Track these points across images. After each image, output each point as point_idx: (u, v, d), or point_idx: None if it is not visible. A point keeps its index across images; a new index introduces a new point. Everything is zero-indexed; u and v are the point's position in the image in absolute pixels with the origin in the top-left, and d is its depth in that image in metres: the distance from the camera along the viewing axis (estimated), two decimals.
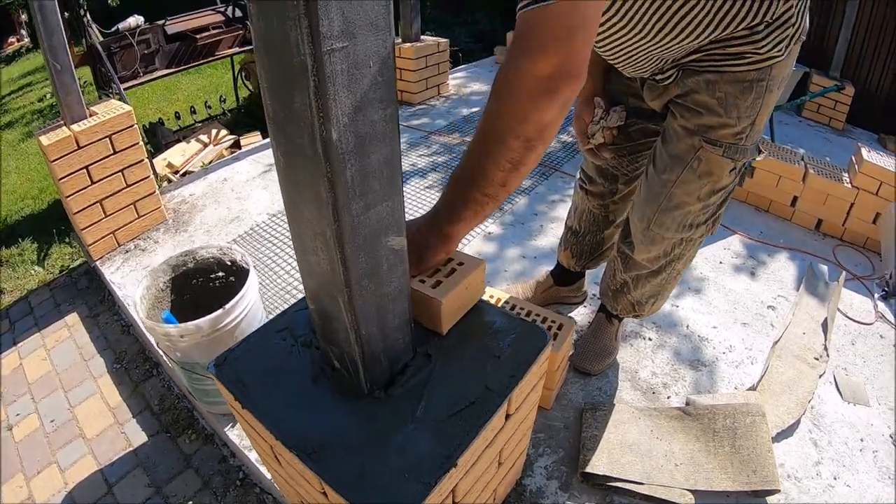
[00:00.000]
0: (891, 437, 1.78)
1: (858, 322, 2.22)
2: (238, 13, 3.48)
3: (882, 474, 1.60)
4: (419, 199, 2.79)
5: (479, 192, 0.95)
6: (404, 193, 2.75)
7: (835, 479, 1.59)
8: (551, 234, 2.59)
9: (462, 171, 0.97)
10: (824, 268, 2.45)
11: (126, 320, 2.21)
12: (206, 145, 3.26)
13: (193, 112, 3.67)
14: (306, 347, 1.09)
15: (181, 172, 3.08)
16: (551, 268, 2.10)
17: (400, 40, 3.55)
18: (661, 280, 1.58)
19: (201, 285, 1.72)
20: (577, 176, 1.77)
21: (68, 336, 2.20)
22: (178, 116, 3.56)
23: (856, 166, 2.60)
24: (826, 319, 2.16)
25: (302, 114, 0.69)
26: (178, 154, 3.11)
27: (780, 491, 1.50)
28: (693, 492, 1.48)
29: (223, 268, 1.72)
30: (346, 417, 0.95)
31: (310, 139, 0.71)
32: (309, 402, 0.97)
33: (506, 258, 2.40)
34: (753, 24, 1.08)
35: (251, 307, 1.53)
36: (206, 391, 1.61)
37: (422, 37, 3.58)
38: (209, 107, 3.85)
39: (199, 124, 3.70)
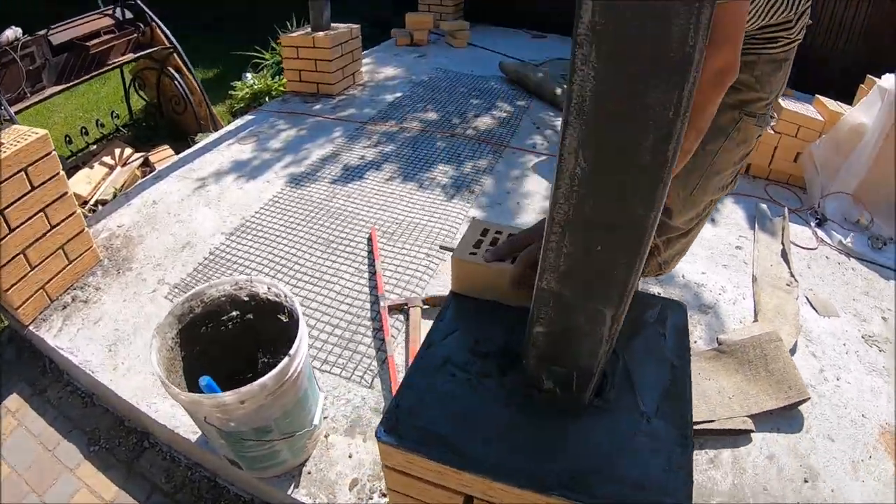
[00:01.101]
0: (862, 337, 2.26)
1: (806, 248, 2.62)
2: (128, 14, 2.99)
3: (868, 368, 2.06)
4: (382, 193, 2.64)
5: None
6: (364, 189, 2.51)
7: (837, 380, 2.00)
8: (530, 210, 2.60)
9: None
10: (764, 206, 2.83)
11: (84, 389, 1.83)
12: (112, 168, 2.78)
13: (85, 133, 3.12)
14: (486, 377, 0.92)
15: (91, 203, 2.60)
16: None
17: (310, 29, 3.27)
18: (689, 238, 1.72)
19: (210, 332, 1.46)
20: None
21: (16, 424, 1.77)
22: (68, 140, 3.00)
23: (776, 114, 2.92)
24: (783, 250, 2.55)
25: (657, 112, 0.54)
26: (82, 182, 2.62)
27: (810, 398, 1.84)
28: (750, 416, 1.75)
29: (237, 306, 1.47)
30: (579, 436, 0.86)
31: (655, 141, 0.56)
32: (529, 434, 0.86)
33: None
34: (791, 15, 1.26)
35: (304, 345, 1.30)
36: (258, 457, 1.38)
37: (332, 24, 3.33)
38: (102, 125, 3.29)
39: (95, 146, 3.16)
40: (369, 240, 2.28)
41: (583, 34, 0.54)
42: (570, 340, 0.80)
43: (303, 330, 1.29)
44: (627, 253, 0.69)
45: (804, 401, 1.85)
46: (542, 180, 2.83)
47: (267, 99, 3.40)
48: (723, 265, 2.42)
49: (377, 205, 2.52)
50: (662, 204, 0.65)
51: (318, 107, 3.32)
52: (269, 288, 1.42)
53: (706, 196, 1.55)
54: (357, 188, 2.63)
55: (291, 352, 1.23)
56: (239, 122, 3.10)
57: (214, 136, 2.95)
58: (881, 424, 1.93)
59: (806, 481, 1.70)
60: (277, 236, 2.29)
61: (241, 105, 3.50)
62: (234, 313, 1.47)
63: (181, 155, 2.80)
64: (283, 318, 1.43)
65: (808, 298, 2.45)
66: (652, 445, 0.85)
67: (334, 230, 2.34)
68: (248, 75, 3.72)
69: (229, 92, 3.73)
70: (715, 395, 1.81)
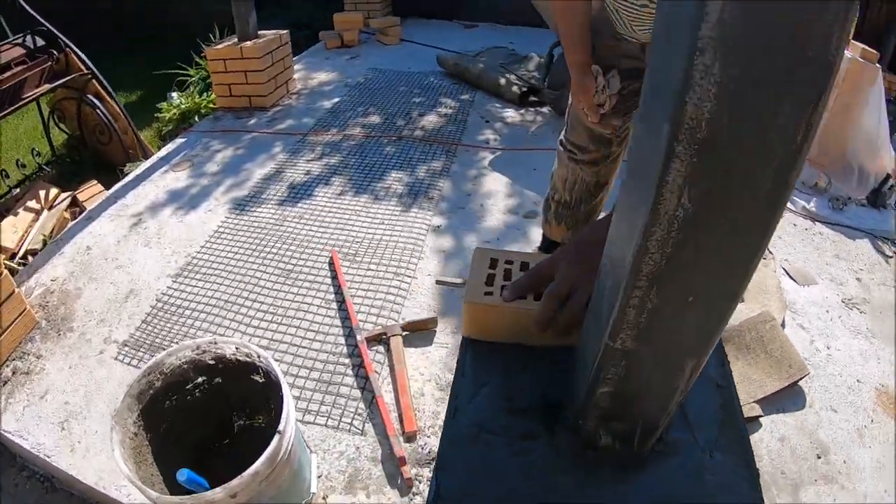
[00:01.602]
0: (842, 301, 2.34)
1: None
2: (40, 41, 2.69)
3: (853, 332, 2.15)
4: (335, 210, 2.48)
5: None
6: (316, 208, 2.35)
7: (828, 349, 2.07)
8: (496, 212, 2.51)
9: None
10: None
11: (42, 473, 1.63)
12: (39, 212, 2.50)
13: (6, 176, 2.80)
14: (530, 439, 0.82)
15: (20, 255, 2.33)
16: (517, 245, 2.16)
17: (236, 40, 3.07)
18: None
19: (175, 404, 1.30)
20: (564, 149, 1.77)
21: None
22: None
23: None
24: None
25: (785, 135, 0.46)
26: (8, 232, 2.32)
27: (809, 373, 1.87)
28: (756, 402, 1.77)
29: (202, 371, 1.32)
30: (648, 489, 0.76)
31: (777, 171, 0.47)
32: (595, 500, 0.75)
33: (468, 248, 2.25)
34: None
35: (292, 415, 1.17)
36: None
37: (259, 31, 3.13)
38: (23, 165, 2.95)
39: (17, 189, 2.85)
40: (331, 263, 2.15)
41: (706, 37, 0.43)
42: (640, 397, 0.71)
43: (287, 398, 1.16)
44: (726, 295, 0.60)
45: (804, 376, 1.91)
46: (501, 177, 2.75)
47: (197, 118, 3.18)
48: None
49: (332, 224, 2.37)
50: (762, 253, 0.57)
51: (252, 121, 3.12)
52: (237, 349, 1.27)
53: None
54: (308, 208, 2.47)
55: (280, 427, 1.09)
56: (170, 146, 2.87)
57: (145, 165, 2.72)
58: (875, 387, 2.01)
59: (819, 457, 1.72)
60: (230, 272, 2.11)
61: (170, 127, 3.26)
62: (200, 380, 1.30)
63: (112, 190, 2.56)
64: (257, 378, 1.30)
65: (785, 269, 2.51)
66: (720, 481, 0.79)
67: (291, 258, 2.18)
68: (174, 95, 3.46)
69: (156, 115, 3.46)
70: None
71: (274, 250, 2.21)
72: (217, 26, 3.74)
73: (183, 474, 1.07)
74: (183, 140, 2.92)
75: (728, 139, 0.45)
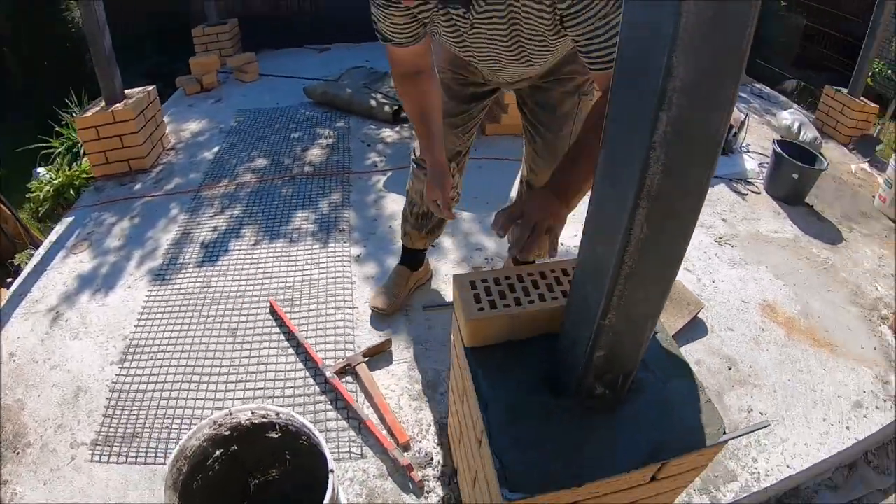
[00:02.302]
0: (715, 241, 2.96)
1: None
2: None
3: (730, 264, 2.79)
4: (256, 260, 2.61)
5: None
6: (236, 262, 2.39)
7: (713, 282, 2.66)
8: None
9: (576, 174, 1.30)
10: None
11: None
12: None
13: None
14: (546, 406, 1.15)
15: None
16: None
17: (104, 103, 3.03)
18: None
19: (201, 484, 1.40)
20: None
21: None
22: None
23: None
24: None
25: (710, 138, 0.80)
26: None
27: (704, 306, 2.38)
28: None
29: (219, 444, 1.42)
30: (636, 418, 1.15)
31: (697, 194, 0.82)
32: (604, 433, 1.11)
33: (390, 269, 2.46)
34: None
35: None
36: None
37: (125, 91, 3.10)
38: None
39: None
40: (272, 312, 2.29)
41: (658, 142, 0.73)
42: (622, 352, 1.03)
43: (322, 443, 1.32)
44: (670, 274, 0.93)
45: (701, 309, 2.38)
46: (398, 197, 3.00)
47: (73, 192, 3.09)
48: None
49: (259, 274, 2.50)
50: (687, 247, 0.90)
51: (138, 186, 3.10)
52: (252, 413, 1.42)
53: None
54: (229, 263, 2.57)
55: (331, 467, 1.25)
56: (59, 228, 2.78)
57: (39, 253, 2.63)
58: (759, 304, 2.57)
59: (729, 368, 2.22)
60: (175, 344, 2.17)
61: (47, 206, 3.12)
62: (218, 453, 1.42)
63: (13, 287, 2.47)
64: (273, 434, 1.45)
65: None
66: (686, 397, 1.17)
67: (231, 316, 2.29)
68: (41, 170, 3.30)
69: (26, 195, 3.30)
70: None
71: (211, 313, 2.31)
72: (73, 90, 3.63)
73: None
74: (71, 219, 2.85)
75: (669, 191, 0.76)
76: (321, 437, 1.32)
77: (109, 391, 2.02)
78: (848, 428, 2.07)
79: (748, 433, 1.15)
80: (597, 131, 1.27)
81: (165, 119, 3.59)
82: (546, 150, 1.85)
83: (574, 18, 1.19)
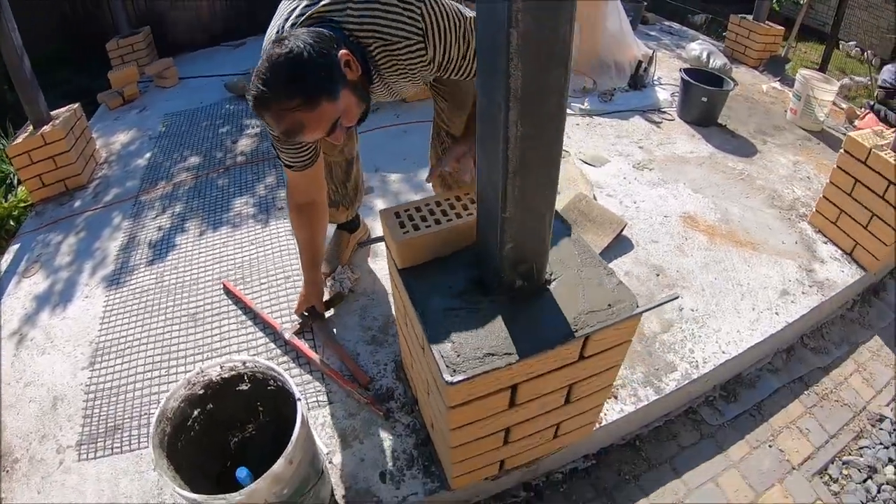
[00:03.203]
0: (633, 167, 3.19)
1: None
2: None
3: (649, 185, 3.05)
4: (204, 250, 2.70)
5: None
6: (185, 254, 2.52)
7: (634, 203, 2.90)
8: None
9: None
10: None
11: None
12: None
13: None
14: (477, 302, 1.32)
15: None
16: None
17: (32, 128, 3.04)
18: None
19: (185, 444, 1.49)
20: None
21: None
22: None
23: None
24: None
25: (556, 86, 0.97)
26: None
27: (627, 223, 2.61)
28: None
29: (195, 404, 1.52)
30: (557, 301, 1.33)
31: (558, 103, 0.99)
32: (530, 319, 1.29)
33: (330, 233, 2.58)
34: None
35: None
36: None
37: (51, 112, 3.12)
38: None
39: None
40: (227, 292, 2.40)
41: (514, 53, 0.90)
42: (528, 243, 1.20)
43: (287, 379, 1.45)
44: (552, 168, 1.10)
45: (624, 227, 2.60)
46: None
47: (12, 222, 3.10)
48: None
49: (209, 262, 2.60)
50: (562, 143, 1.07)
51: (78, 203, 3.13)
52: (220, 367, 1.54)
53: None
54: (178, 257, 2.65)
55: (297, 396, 1.37)
56: (7, 258, 2.80)
57: None
58: (679, 216, 2.81)
59: (657, 275, 2.44)
60: (141, 338, 2.26)
61: None
62: (195, 413, 1.52)
63: None
64: (243, 386, 1.57)
65: (582, 160, 3.23)
66: (596, 282, 1.34)
67: (189, 303, 2.39)
68: None
69: None
70: None
71: (169, 304, 2.40)
72: None
73: (242, 471, 1.35)
74: (17, 246, 2.87)
75: (532, 92, 0.92)
76: (285, 374, 1.45)
77: (85, 394, 2.10)
78: (777, 313, 2.30)
79: (660, 305, 1.32)
80: None
81: (94, 135, 3.60)
82: (455, 103, 1.97)
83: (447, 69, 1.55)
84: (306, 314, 2.15)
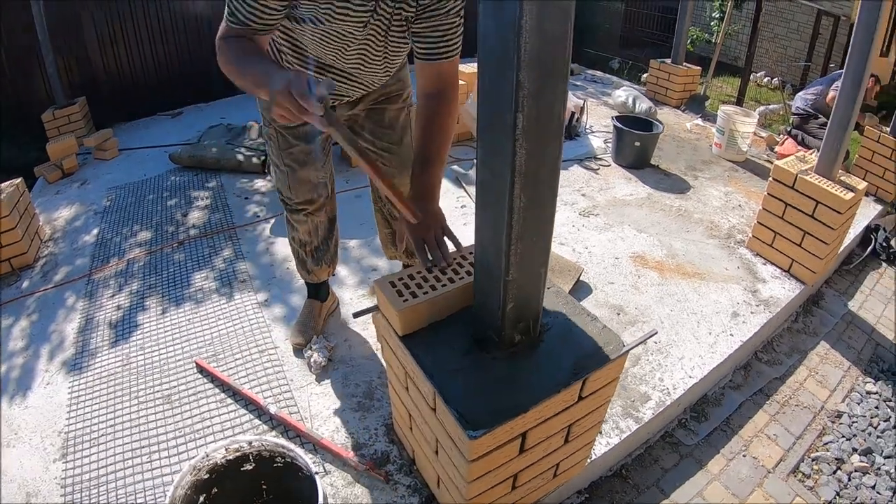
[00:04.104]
0: (579, 214, 3.33)
1: None
2: None
3: (597, 230, 3.21)
4: (169, 328, 2.67)
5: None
6: (150, 334, 2.60)
7: (586, 248, 3.03)
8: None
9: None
10: (456, 167, 3.94)
11: None
12: None
13: None
14: (479, 360, 1.41)
15: None
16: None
17: None
18: None
19: None
20: (295, 210, 2.16)
21: None
22: None
23: None
24: None
25: (551, 163, 1.10)
26: None
27: (584, 269, 2.77)
28: None
29: (200, 489, 1.54)
30: (553, 352, 1.46)
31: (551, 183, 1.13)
32: (532, 369, 1.41)
33: (298, 307, 2.67)
34: None
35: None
36: None
37: None
38: None
39: None
40: (201, 371, 2.38)
41: (520, 134, 1.02)
42: (527, 301, 1.31)
43: (304, 459, 1.49)
44: (547, 229, 1.22)
45: (581, 272, 2.76)
46: (285, 240, 3.15)
47: None
48: (462, 224, 3.12)
49: (177, 340, 2.57)
50: (556, 206, 1.19)
51: (26, 284, 3.03)
52: (226, 449, 1.56)
53: None
54: (143, 337, 2.61)
55: (317, 472, 1.43)
56: None
57: None
58: (629, 256, 3.01)
59: (619, 314, 2.60)
60: (115, 425, 2.19)
61: None
62: (202, 499, 1.54)
63: None
64: (248, 466, 1.58)
65: None
66: (587, 327, 1.48)
67: (161, 385, 2.35)
68: None
69: None
70: None
71: (140, 386, 2.35)
72: None
73: None
74: None
75: (533, 166, 1.05)
76: (297, 449, 1.49)
77: (61, 487, 2.01)
78: (731, 335, 2.52)
79: (641, 342, 1.46)
80: (433, 134, 1.63)
81: (36, 211, 3.52)
82: (398, 162, 2.08)
83: (434, 13, 1.52)
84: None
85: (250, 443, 1.55)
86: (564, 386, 1.31)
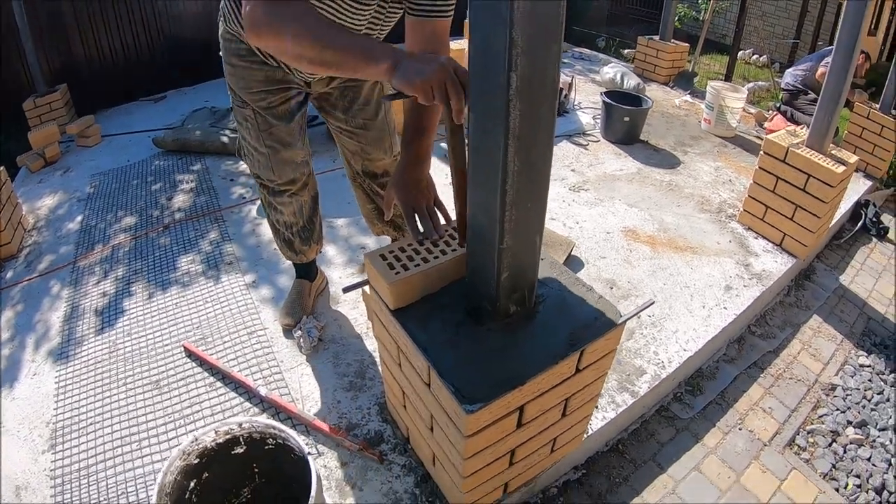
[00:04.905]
0: (569, 190, 3.25)
1: None
2: None
3: (588, 205, 3.18)
4: (156, 312, 2.61)
5: None
6: (137, 319, 2.49)
7: (577, 223, 2.98)
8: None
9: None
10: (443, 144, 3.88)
11: None
12: None
13: None
14: (474, 332, 1.37)
15: None
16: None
17: None
18: None
19: None
20: (277, 192, 2.08)
21: None
22: None
23: None
24: None
25: (546, 122, 1.05)
26: None
27: (575, 243, 2.70)
28: None
29: (190, 475, 1.47)
30: (550, 323, 1.41)
31: (545, 140, 1.07)
32: (530, 340, 1.35)
33: (287, 287, 2.62)
34: None
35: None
36: None
37: None
38: None
39: None
40: (189, 355, 2.33)
41: (514, 95, 0.96)
42: (522, 271, 1.26)
43: (296, 439, 1.43)
44: (542, 195, 1.17)
45: (573, 247, 2.71)
46: None
47: None
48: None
49: (164, 325, 2.51)
50: (550, 173, 1.14)
51: (10, 274, 2.95)
52: (215, 432, 1.50)
53: (397, 144, 2.09)
54: (129, 323, 2.55)
55: (309, 452, 1.38)
56: None
57: None
58: (620, 230, 2.96)
59: (611, 288, 2.57)
60: (103, 413, 2.14)
61: None
62: (192, 484, 1.48)
63: None
64: (238, 449, 1.53)
65: None
66: (583, 298, 1.43)
67: (150, 371, 2.29)
68: None
69: None
70: None
71: (128, 373, 2.30)
72: None
73: None
74: None
75: (527, 129, 1.00)
76: (289, 430, 1.44)
77: (51, 479, 1.96)
78: (725, 308, 2.49)
79: (639, 312, 1.42)
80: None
81: (19, 200, 3.43)
82: (373, 137, 2.02)
83: None
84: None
85: (240, 424, 1.50)
86: (562, 357, 1.26)
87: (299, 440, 1.41)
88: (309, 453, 1.37)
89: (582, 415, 1.61)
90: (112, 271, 2.92)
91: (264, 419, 1.48)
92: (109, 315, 2.62)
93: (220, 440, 1.51)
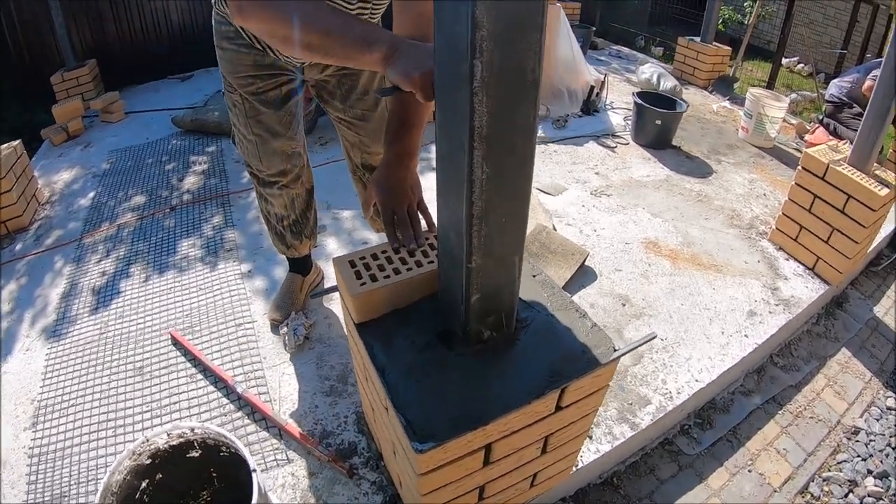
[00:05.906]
0: (591, 194, 3.10)
1: None
2: None
3: (608, 212, 2.99)
4: (149, 296, 2.52)
5: None
6: (130, 301, 2.42)
7: (594, 231, 2.83)
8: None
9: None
10: None
11: None
12: None
13: None
14: (442, 358, 1.20)
15: None
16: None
17: None
18: None
19: None
20: (268, 183, 1.94)
21: None
22: None
23: None
24: None
25: (524, 125, 0.88)
26: None
27: (589, 253, 2.49)
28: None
29: (142, 475, 1.39)
30: (530, 353, 1.23)
31: (525, 149, 0.90)
32: (501, 373, 1.18)
33: (281, 280, 2.47)
34: None
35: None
36: None
37: None
38: None
39: None
40: (175, 343, 2.23)
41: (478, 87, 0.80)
42: (496, 293, 1.09)
43: (244, 451, 1.32)
44: (521, 211, 1.00)
45: (586, 257, 2.50)
46: None
47: None
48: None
49: (155, 310, 2.42)
50: (531, 183, 0.97)
51: (19, 247, 2.91)
52: (168, 434, 1.40)
53: None
54: (123, 305, 2.47)
55: (252, 467, 1.26)
56: None
57: None
58: (641, 241, 2.73)
59: (623, 305, 2.36)
60: (85, 395, 2.06)
61: None
62: (144, 484, 1.39)
63: None
64: (193, 453, 1.43)
65: (539, 189, 3.12)
66: (572, 326, 1.25)
67: (135, 356, 2.20)
68: None
69: None
70: None
71: (115, 357, 2.21)
72: None
73: None
74: None
75: (499, 131, 0.83)
76: (238, 442, 1.31)
77: (28, 457, 1.89)
78: (746, 336, 2.27)
79: (636, 347, 1.24)
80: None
81: (36, 173, 3.39)
82: (372, 129, 1.88)
83: None
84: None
85: (193, 429, 1.39)
86: (537, 396, 1.10)
87: (247, 454, 1.28)
88: (254, 470, 1.24)
89: (567, 451, 1.44)
90: (114, 251, 2.85)
91: (215, 427, 1.35)
92: (105, 295, 2.55)
93: (174, 443, 1.42)
